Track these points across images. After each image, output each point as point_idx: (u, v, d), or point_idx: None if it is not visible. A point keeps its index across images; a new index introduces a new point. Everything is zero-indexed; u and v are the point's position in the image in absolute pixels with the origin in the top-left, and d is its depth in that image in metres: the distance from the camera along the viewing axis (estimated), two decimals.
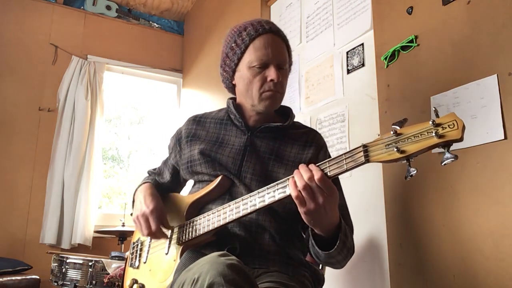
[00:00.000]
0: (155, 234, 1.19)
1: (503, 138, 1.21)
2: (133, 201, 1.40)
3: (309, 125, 2.09)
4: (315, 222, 0.96)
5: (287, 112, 1.34)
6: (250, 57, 1.20)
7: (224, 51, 1.29)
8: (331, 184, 0.91)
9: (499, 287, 1.19)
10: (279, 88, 1.21)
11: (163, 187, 1.43)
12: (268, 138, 1.26)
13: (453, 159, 0.77)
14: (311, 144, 1.24)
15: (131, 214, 1.41)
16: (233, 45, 1.24)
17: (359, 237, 1.76)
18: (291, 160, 1.21)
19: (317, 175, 0.90)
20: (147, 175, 1.51)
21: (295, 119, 1.36)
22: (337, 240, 1.00)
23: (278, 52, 1.20)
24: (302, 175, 0.91)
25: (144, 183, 1.39)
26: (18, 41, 3.45)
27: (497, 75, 1.25)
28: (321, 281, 1.24)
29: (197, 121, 1.37)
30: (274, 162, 1.21)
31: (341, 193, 1.24)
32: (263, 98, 1.21)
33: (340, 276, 1.82)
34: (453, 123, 0.76)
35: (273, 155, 1.22)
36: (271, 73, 1.18)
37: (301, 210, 0.93)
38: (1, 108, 3.31)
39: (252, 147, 1.24)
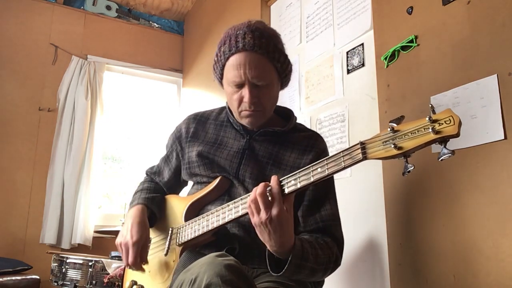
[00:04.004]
0: (133, 267, 1.22)
1: (503, 138, 1.21)
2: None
3: (309, 125, 2.10)
4: (264, 238, 0.98)
5: (288, 114, 1.32)
6: (227, 75, 1.18)
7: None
8: (279, 203, 0.94)
9: (499, 287, 1.19)
10: (256, 107, 1.17)
11: (162, 187, 1.42)
12: (267, 142, 1.24)
13: (450, 154, 0.77)
14: (311, 150, 1.22)
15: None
16: (215, 58, 1.22)
17: (359, 237, 1.76)
18: (289, 165, 1.20)
19: (260, 189, 0.95)
20: (145, 175, 1.49)
21: (297, 121, 1.34)
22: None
23: (252, 71, 1.13)
24: (255, 190, 0.96)
25: (136, 204, 1.32)
26: (18, 41, 3.46)
27: (497, 75, 1.24)
28: (321, 281, 1.24)
29: (198, 120, 1.35)
30: (271, 167, 1.20)
31: (335, 201, 1.23)
32: (242, 116, 1.20)
33: (340, 276, 1.82)
34: (450, 119, 0.76)
35: (271, 159, 1.21)
36: (245, 94, 1.15)
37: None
38: (1, 108, 3.31)
39: (251, 150, 1.23)
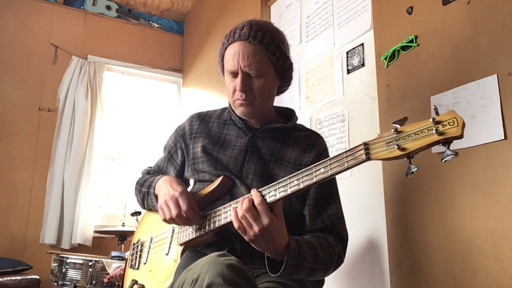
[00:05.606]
0: (186, 215, 1.13)
1: (503, 138, 1.21)
2: (142, 197, 1.37)
3: (309, 125, 2.10)
4: (261, 249, 1.00)
5: (290, 114, 1.34)
6: (225, 66, 1.22)
7: None
8: (267, 212, 0.97)
9: (499, 287, 1.19)
10: (248, 97, 1.19)
11: None
12: (269, 139, 1.26)
13: (453, 156, 0.77)
14: (312, 148, 1.24)
15: (132, 214, 1.40)
16: (218, 52, 1.27)
17: (359, 237, 1.76)
18: (291, 162, 1.21)
19: (245, 205, 0.97)
20: (145, 175, 1.47)
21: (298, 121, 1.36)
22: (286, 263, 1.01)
23: (245, 60, 1.16)
24: (241, 206, 0.98)
25: (160, 177, 1.31)
26: (18, 41, 3.46)
27: (497, 75, 1.25)
28: (321, 281, 1.25)
29: (201, 118, 1.37)
30: (274, 164, 1.21)
31: (339, 199, 1.24)
32: (235, 106, 1.22)
33: (340, 276, 1.82)
34: (453, 121, 0.77)
35: (273, 156, 1.22)
36: (237, 83, 1.18)
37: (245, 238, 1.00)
38: (1, 108, 3.31)
39: (254, 147, 1.24)
